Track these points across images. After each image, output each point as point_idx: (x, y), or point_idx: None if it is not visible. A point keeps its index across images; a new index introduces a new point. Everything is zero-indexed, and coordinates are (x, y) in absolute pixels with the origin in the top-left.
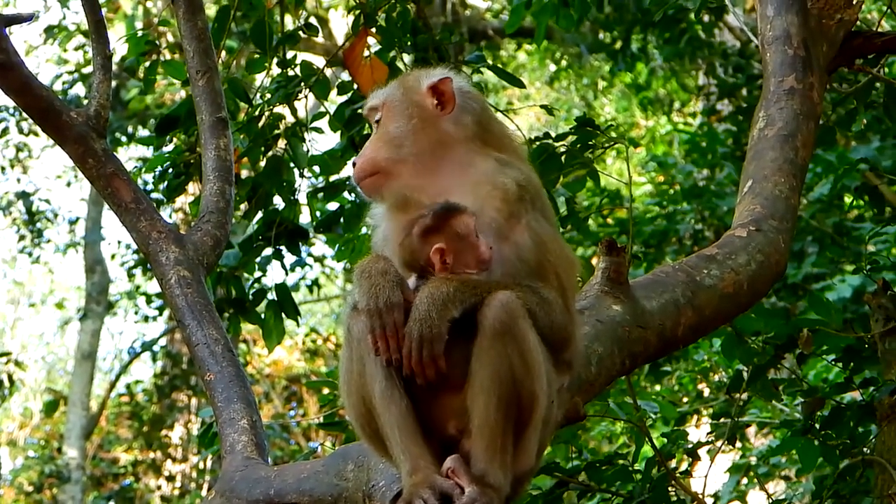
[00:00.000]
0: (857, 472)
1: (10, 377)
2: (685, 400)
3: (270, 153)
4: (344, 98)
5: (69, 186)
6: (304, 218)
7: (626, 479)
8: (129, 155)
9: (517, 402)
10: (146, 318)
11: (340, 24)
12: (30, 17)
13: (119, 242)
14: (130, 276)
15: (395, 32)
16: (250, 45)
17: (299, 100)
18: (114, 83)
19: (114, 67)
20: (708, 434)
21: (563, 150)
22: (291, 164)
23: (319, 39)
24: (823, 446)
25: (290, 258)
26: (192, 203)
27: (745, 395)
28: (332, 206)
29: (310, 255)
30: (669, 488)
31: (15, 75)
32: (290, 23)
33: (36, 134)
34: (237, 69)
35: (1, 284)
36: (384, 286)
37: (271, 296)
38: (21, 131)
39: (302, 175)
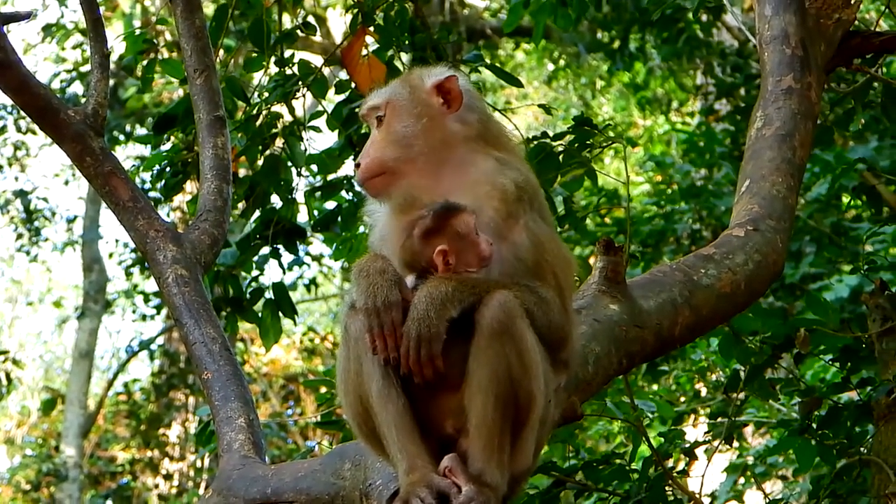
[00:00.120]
0: (853, 472)
1: (7, 375)
2: (682, 399)
3: (268, 152)
4: (342, 97)
5: (67, 185)
6: (302, 217)
7: (623, 478)
8: (127, 153)
9: (514, 401)
10: (144, 317)
11: (338, 22)
12: (28, 16)
13: (117, 241)
14: (128, 274)
15: (393, 31)
16: (248, 43)
17: (297, 99)
18: (112, 81)
19: (112, 66)
20: (705, 433)
21: (560, 149)
22: (289, 163)
23: (317, 38)
24: (820, 446)
25: (287, 257)
26: (189, 202)
27: (742, 395)
28: (330, 205)
29: (307, 253)
30: (666, 488)
31: (13, 73)
32: (287, 22)
33: (34, 132)
34: (235, 68)
35: None
36: (382, 285)
37: (269, 294)
38: (19, 129)
39: (300, 174)
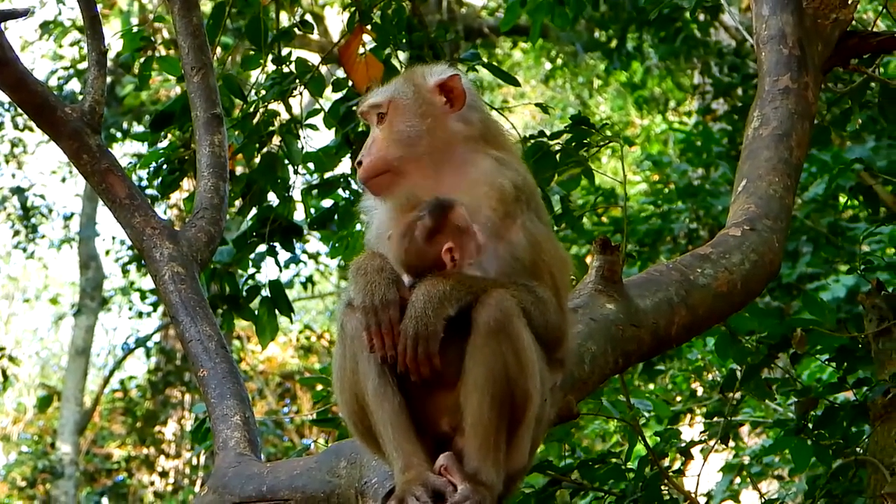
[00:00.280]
0: (849, 472)
1: (3, 372)
2: (678, 399)
3: (265, 150)
4: (339, 95)
5: (64, 182)
6: (299, 215)
7: (619, 477)
8: (124, 151)
9: (511, 400)
10: (140, 314)
11: (336, 21)
12: (25, 13)
13: (113, 238)
14: (125, 272)
15: (390, 30)
16: (245, 41)
17: (294, 97)
18: (109, 79)
19: (109, 63)
20: (701, 433)
21: (557, 148)
22: (286, 161)
23: (315, 36)
24: (816, 446)
25: (284, 255)
26: (186, 199)
27: (738, 395)
28: (327, 202)
29: (304, 251)
30: (662, 487)
31: (10, 71)
32: (285, 19)
33: (31, 129)
34: (232, 66)
35: None
36: (380, 283)
37: (265, 292)
38: (16, 127)
39: (296, 172)
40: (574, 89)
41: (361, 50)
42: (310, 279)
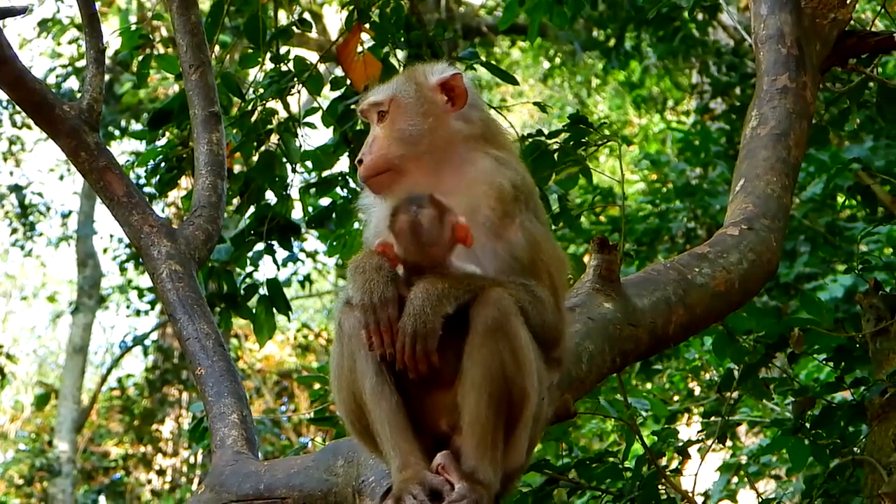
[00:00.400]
0: (847, 472)
1: (1, 370)
2: (676, 398)
3: (263, 148)
4: (337, 94)
5: (62, 180)
6: (297, 213)
7: (617, 476)
8: (122, 149)
9: (508, 399)
10: (138, 313)
11: (334, 19)
12: (23, 11)
13: (111, 236)
14: (122, 270)
15: (388, 28)
16: (244, 39)
17: (292, 95)
18: (107, 77)
19: (107, 61)
20: (698, 432)
21: (555, 147)
22: (284, 160)
23: (313, 35)
24: (814, 445)
25: (281, 253)
26: (184, 197)
27: (735, 394)
28: (325, 201)
29: (302, 250)
30: (659, 486)
31: (8, 68)
32: (283, 18)
33: (29, 127)
34: (230, 64)
35: None
36: (378, 281)
37: (263, 291)
38: (14, 124)
39: (294, 170)
40: (572, 88)
41: (360, 48)
42: (308, 277)
